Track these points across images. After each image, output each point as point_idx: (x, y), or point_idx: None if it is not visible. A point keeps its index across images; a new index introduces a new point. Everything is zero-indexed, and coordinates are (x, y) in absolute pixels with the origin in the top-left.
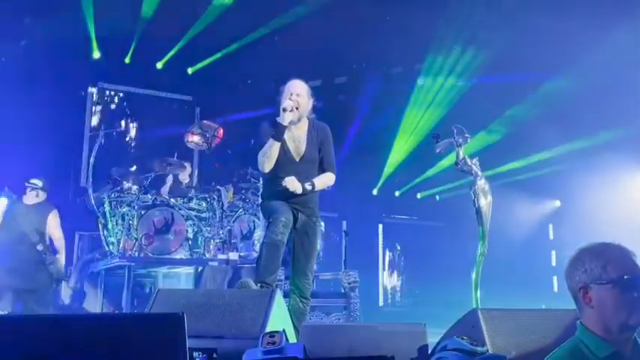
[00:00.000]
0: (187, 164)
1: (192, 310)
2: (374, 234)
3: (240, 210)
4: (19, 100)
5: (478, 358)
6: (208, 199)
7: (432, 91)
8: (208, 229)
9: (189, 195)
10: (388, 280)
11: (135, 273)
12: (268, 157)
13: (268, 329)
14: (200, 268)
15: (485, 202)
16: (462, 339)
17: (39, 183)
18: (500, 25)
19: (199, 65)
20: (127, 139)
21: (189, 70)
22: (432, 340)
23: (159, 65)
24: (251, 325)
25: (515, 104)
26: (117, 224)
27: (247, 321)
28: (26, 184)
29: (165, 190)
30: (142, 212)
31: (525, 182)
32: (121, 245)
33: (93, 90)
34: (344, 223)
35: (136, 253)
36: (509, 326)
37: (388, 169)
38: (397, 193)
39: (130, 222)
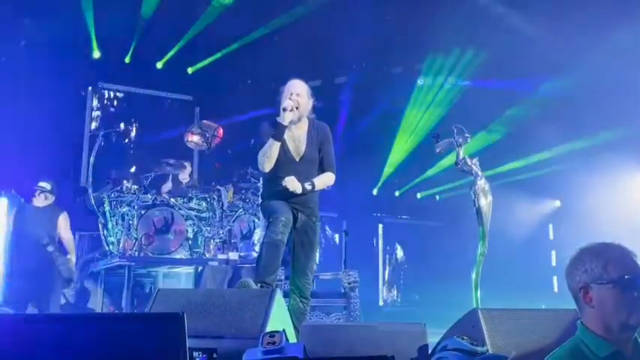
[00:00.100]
0: (187, 164)
1: (192, 309)
2: (374, 234)
3: (240, 210)
4: (19, 100)
5: (478, 358)
6: (208, 199)
7: (432, 91)
8: (208, 228)
9: (189, 195)
10: (388, 280)
11: (135, 273)
12: (268, 156)
13: (268, 329)
14: (200, 268)
15: (485, 202)
16: (462, 339)
17: (47, 186)
18: (500, 26)
19: (199, 65)
20: (127, 139)
21: (189, 70)
22: (432, 340)
23: (159, 65)
24: (251, 325)
25: (515, 104)
26: (117, 224)
27: (247, 321)
28: (35, 187)
29: (165, 189)
30: (142, 212)
31: (525, 182)
32: (121, 245)
33: (93, 90)
34: (344, 223)
35: (136, 253)
36: (510, 326)
37: (388, 169)
38: (397, 193)
39: (130, 222)
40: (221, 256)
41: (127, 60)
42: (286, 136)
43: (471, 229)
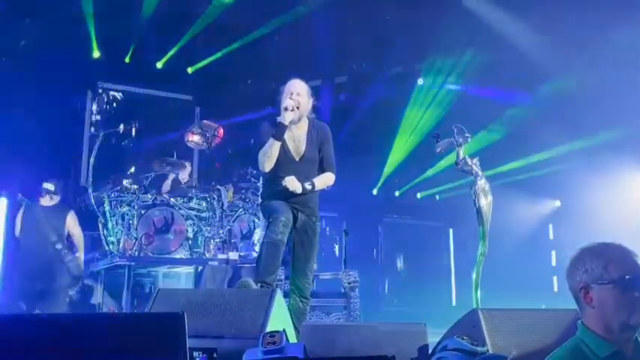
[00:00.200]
0: (187, 164)
1: (192, 309)
2: (374, 234)
3: (240, 210)
4: (18, 99)
5: (478, 358)
6: (208, 199)
7: (432, 91)
8: (208, 228)
9: (189, 195)
10: (388, 279)
11: (135, 272)
12: (269, 156)
13: (268, 329)
14: (200, 268)
15: (485, 202)
16: (463, 339)
17: (51, 187)
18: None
19: (199, 65)
20: (127, 139)
21: (189, 70)
22: (433, 339)
23: (159, 65)
24: (251, 325)
25: (515, 104)
26: (117, 224)
27: (247, 321)
28: (40, 188)
29: (165, 189)
30: (142, 212)
31: (525, 182)
32: (121, 245)
33: (92, 90)
34: (344, 223)
35: (136, 253)
36: (510, 326)
37: (388, 169)
38: (397, 193)
39: (130, 221)
40: (221, 256)
41: (127, 60)
42: (286, 136)
43: (472, 229)
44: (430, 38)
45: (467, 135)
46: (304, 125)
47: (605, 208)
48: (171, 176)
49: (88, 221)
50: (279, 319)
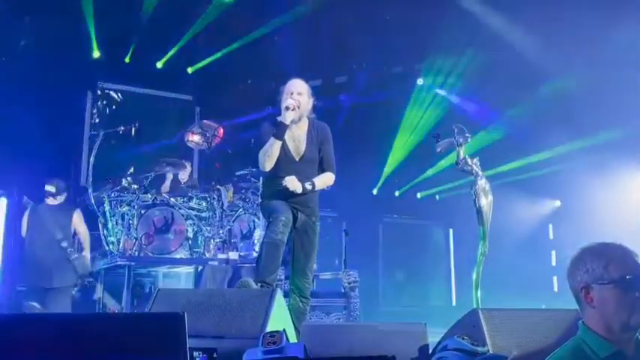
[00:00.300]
0: (187, 164)
1: (192, 309)
2: (374, 234)
3: (240, 209)
4: (18, 99)
5: (479, 358)
6: (208, 199)
7: (432, 91)
8: (208, 228)
9: (189, 194)
10: (388, 279)
11: (135, 272)
12: (269, 155)
13: (268, 329)
14: (200, 268)
15: (485, 201)
16: (463, 339)
17: (52, 189)
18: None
19: (199, 65)
20: (127, 138)
21: (189, 70)
22: (433, 339)
23: (159, 65)
24: (251, 325)
25: (515, 104)
26: (117, 224)
27: (247, 321)
28: (43, 190)
29: (164, 189)
30: (142, 212)
31: (525, 182)
32: (121, 245)
33: (92, 90)
34: (344, 223)
35: (136, 253)
36: (510, 326)
37: (388, 169)
38: (397, 193)
39: (130, 221)
40: (221, 256)
41: (127, 60)
42: (286, 135)
43: (472, 228)
44: (430, 38)
45: (467, 135)
46: (304, 125)
47: (605, 208)
48: (171, 176)
49: (88, 221)
50: (280, 319)
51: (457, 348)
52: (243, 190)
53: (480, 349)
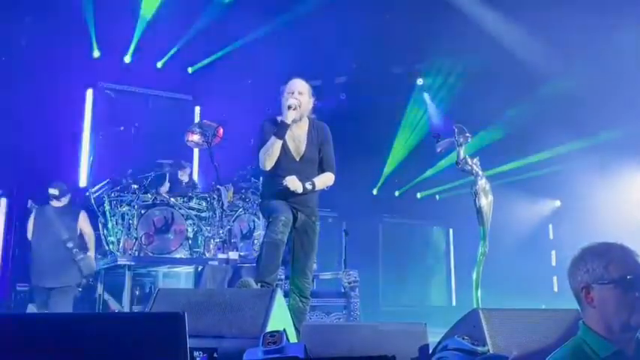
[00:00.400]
0: (187, 164)
1: (192, 309)
2: (374, 234)
3: (240, 209)
4: (18, 99)
5: (479, 358)
6: (208, 199)
7: (432, 91)
8: (208, 228)
9: (189, 194)
10: (388, 279)
11: (135, 272)
12: (270, 154)
13: (269, 329)
14: (200, 268)
15: (486, 201)
16: (463, 339)
17: (55, 192)
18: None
19: (199, 65)
20: (127, 138)
21: (189, 70)
22: (433, 339)
23: (159, 65)
24: (252, 325)
25: (515, 104)
26: (117, 223)
27: (248, 320)
28: (47, 194)
29: (164, 189)
30: (142, 211)
31: (525, 182)
32: (121, 244)
33: (92, 89)
34: (344, 223)
35: (136, 253)
36: (511, 326)
37: (388, 169)
38: (397, 193)
39: (130, 221)
40: (221, 256)
41: (127, 60)
42: (287, 135)
43: (472, 228)
44: (430, 38)
45: (467, 135)
46: (304, 125)
47: (605, 208)
48: (171, 176)
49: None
50: (280, 318)
51: (457, 348)
52: (243, 190)
53: (480, 348)
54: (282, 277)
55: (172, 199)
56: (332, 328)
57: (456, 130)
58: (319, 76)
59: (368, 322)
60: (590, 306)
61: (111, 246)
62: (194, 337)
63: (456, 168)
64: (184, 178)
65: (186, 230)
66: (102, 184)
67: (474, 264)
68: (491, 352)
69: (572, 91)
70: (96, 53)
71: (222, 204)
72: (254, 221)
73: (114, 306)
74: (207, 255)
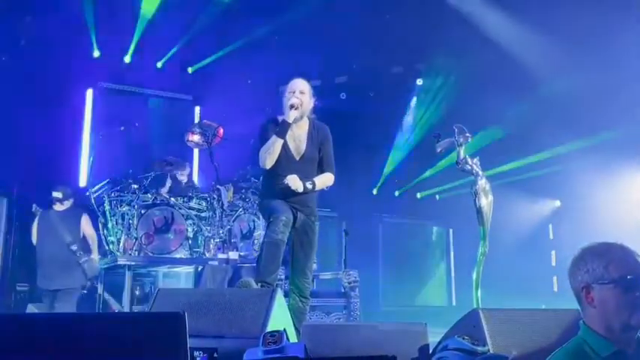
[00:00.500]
0: (187, 164)
1: (192, 309)
2: (374, 234)
3: (240, 209)
4: (18, 99)
5: (479, 357)
6: (208, 199)
7: (432, 91)
8: (208, 228)
9: (189, 194)
10: (388, 279)
11: (135, 272)
12: (270, 153)
13: (269, 329)
14: (200, 268)
15: (486, 201)
16: (463, 339)
17: (59, 195)
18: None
19: (199, 65)
20: (127, 138)
21: (190, 70)
22: (433, 339)
23: (159, 65)
24: (252, 325)
25: (515, 104)
26: (117, 223)
27: (248, 320)
28: (50, 197)
29: (164, 189)
30: (142, 211)
31: (525, 182)
32: (121, 244)
33: (93, 89)
34: (344, 223)
35: (136, 253)
36: (511, 326)
37: (388, 168)
38: (397, 193)
39: (130, 221)
40: (221, 256)
41: (127, 60)
42: (287, 135)
43: (472, 228)
44: (430, 38)
45: (467, 135)
46: (305, 125)
47: (605, 208)
48: (171, 176)
49: None
50: (280, 318)
51: (457, 348)
52: (243, 190)
53: (480, 348)
54: (282, 277)
55: (172, 199)
56: (332, 328)
57: (456, 130)
58: (319, 76)
59: (368, 322)
60: (591, 306)
61: (111, 246)
62: (194, 337)
63: (456, 168)
64: (183, 179)
65: (186, 230)
66: (102, 184)
67: (474, 264)
68: (491, 352)
69: (572, 91)
70: (96, 53)
71: (222, 204)
72: (254, 221)
73: (114, 306)
74: (207, 255)
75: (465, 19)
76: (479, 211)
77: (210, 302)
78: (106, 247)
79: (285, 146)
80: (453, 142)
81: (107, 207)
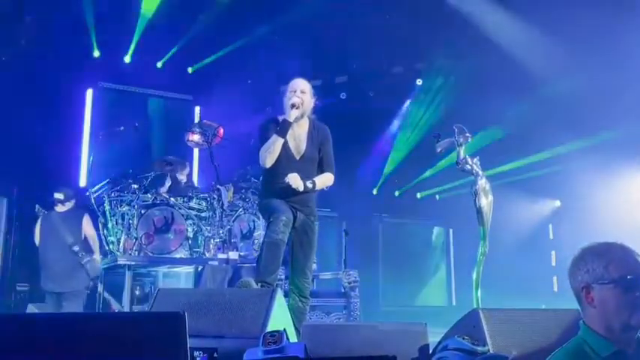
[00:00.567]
0: (187, 163)
1: (193, 309)
2: (374, 234)
3: (240, 209)
4: (19, 99)
5: (479, 357)
6: (208, 199)
7: (432, 91)
8: (208, 228)
9: (189, 194)
10: (388, 279)
11: (135, 272)
12: (271, 152)
13: (269, 328)
14: (200, 268)
15: (486, 201)
16: (463, 339)
17: (61, 196)
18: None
19: (199, 65)
20: (127, 138)
21: (190, 70)
22: (433, 339)
23: (159, 65)
24: (252, 325)
25: (515, 104)
26: (117, 223)
27: (248, 320)
28: (52, 199)
29: (163, 189)
30: (142, 211)
31: (525, 182)
32: (121, 244)
33: (93, 89)
34: (344, 223)
35: (136, 253)
36: (511, 326)
37: (388, 168)
38: (397, 193)
39: (130, 221)
40: (221, 256)
41: (127, 60)
42: (288, 134)
43: (472, 228)
44: (430, 38)
45: (467, 135)
46: (305, 124)
47: (605, 208)
48: (170, 176)
49: None
50: (280, 318)
51: (457, 348)
52: (243, 190)
53: (480, 348)
54: (282, 277)
55: (172, 199)
56: (332, 328)
57: (456, 130)
58: (319, 76)
59: (368, 322)
60: (591, 306)
61: (111, 246)
62: (194, 337)
63: (456, 168)
64: (182, 178)
65: (186, 230)
66: (102, 184)
67: (474, 264)
68: (491, 352)
69: (572, 91)
70: (96, 53)
71: (222, 204)
72: (254, 221)
73: (114, 306)
74: (207, 255)
75: (465, 19)
76: (479, 211)
77: (210, 302)
78: (106, 247)
79: (285, 145)
80: (453, 142)
81: (107, 207)
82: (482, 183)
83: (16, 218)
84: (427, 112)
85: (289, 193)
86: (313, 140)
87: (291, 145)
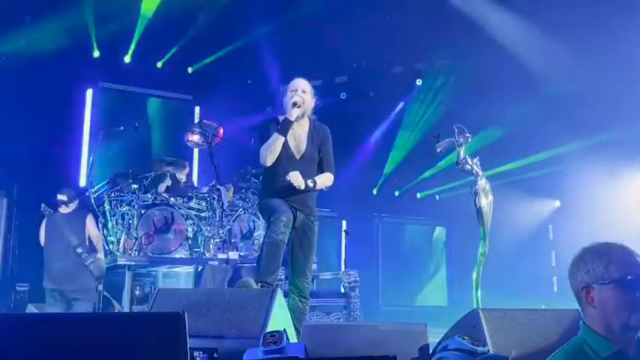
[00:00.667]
0: (186, 163)
1: (192, 309)
2: (374, 234)
3: (240, 209)
4: (18, 99)
5: (479, 358)
6: (208, 199)
7: (432, 91)
8: (208, 228)
9: (189, 194)
10: (388, 279)
11: (135, 272)
12: (271, 151)
13: (269, 329)
14: (200, 268)
15: (486, 201)
16: (463, 339)
17: (64, 197)
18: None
19: (199, 65)
20: (127, 138)
21: (190, 70)
22: (433, 340)
23: (159, 65)
24: (252, 325)
25: (515, 104)
26: (117, 223)
27: (248, 320)
28: (56, 200)
29: (161, 189)
30: (142, 211)
31: (525, 182)
32: (121, 244)
33: (93, 89)
34: (344, 223)
35: (136, 253)
36: (511, 326)
37: (388, 168)
38: (397, 193)
39: (130, 221)
40: (221, 256)
41: (127, 60)
42: (288, 133)
43: (472, 228)
44: (430, 38)
45: (467, 135)
46: (305, 124)
47: (605, 208)
48: (170, 176)
49: None
50: (280, 318)
51: (457, 348)
52: (243, 190)
53: (480, 349)
54: (282, 277)
55: (172, 199)
56: (332, 328)
57: (456, 130)
58: (319, 76)
59: (368, 322)
60: (591, 306)
61: (111, 246)
62: (194, 337)
63: (456, 168)
64: (182, 178)
65: (186, 230)
66: (102, 184)
67: (473, 264)
68: (491, 352)
69: (572, 90)
70: (96, 53)
71: (222, 204)
72: (254, 221)
73: (114, 306)
74: (207, 255)
75: (466, 19)
76: (479, 211)
77: (210, 302)
78: (106, 247)
79: (285, 145)
80: (453, 142)
81: (107, 207)
82: (483, 183)
83: (16, 218)
84: (427, 112)
85: (289, 192)
86: (313, 140)
87: (292, 144)
